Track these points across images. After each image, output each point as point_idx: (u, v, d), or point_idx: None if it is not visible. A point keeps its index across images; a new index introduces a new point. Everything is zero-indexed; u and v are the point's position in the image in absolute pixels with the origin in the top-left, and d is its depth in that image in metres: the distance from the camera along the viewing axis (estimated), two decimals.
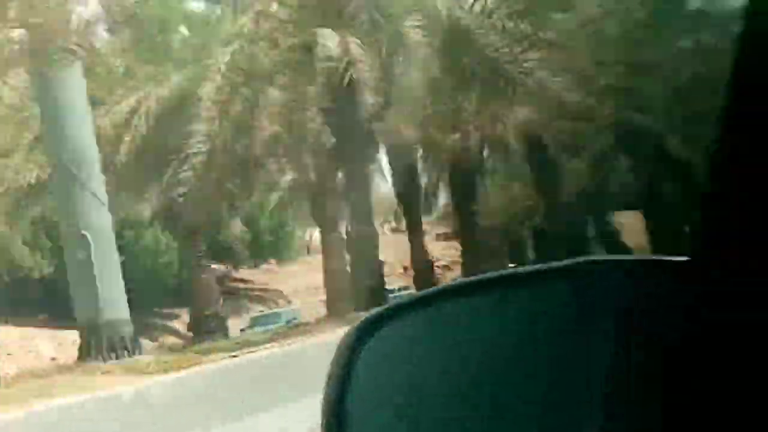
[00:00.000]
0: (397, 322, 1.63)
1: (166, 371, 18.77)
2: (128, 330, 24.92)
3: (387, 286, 32.93)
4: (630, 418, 1.49)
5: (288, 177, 34.90)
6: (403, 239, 36.23)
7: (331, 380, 1.59)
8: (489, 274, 1.65)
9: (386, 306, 1.67)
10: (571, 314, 1.58)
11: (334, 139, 30.03)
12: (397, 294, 31.85)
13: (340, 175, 31.90)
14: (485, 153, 34.33)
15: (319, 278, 34.43)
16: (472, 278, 1.67)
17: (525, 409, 1.54)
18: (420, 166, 35.33)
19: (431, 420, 1.57)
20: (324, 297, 33.70)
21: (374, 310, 1.66)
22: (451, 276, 39.19)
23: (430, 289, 1.67)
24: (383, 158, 34.12)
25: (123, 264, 26.15)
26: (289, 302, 48.29)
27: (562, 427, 1.51)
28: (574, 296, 1.59)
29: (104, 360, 23.39)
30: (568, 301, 1.59)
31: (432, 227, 42.86)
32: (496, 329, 1.60)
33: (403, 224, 37.50)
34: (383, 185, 35.58)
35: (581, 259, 1.61)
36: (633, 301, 1.54)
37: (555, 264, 1.62)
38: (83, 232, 24.29)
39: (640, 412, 1.48)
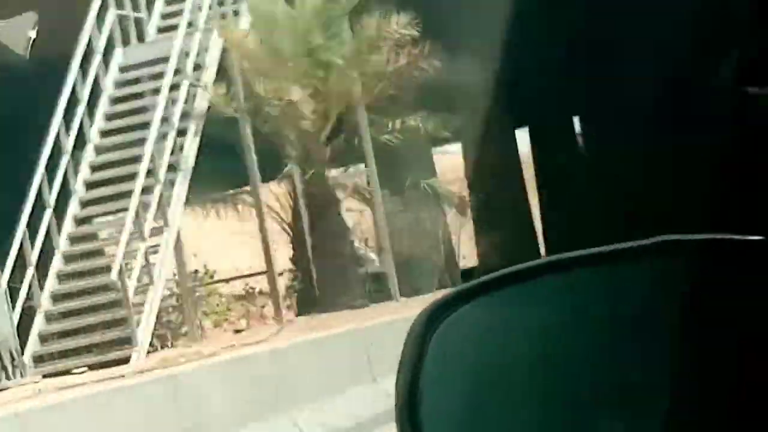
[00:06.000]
0: (470, 304, 1.62)
1: None
2: None
3: None
4: (702, 405, 1.47)
5: None
6: None
7: (404, 363, 1.59)
8: (561, 255, 1.63)
9: (459, 288, 1.66)
10: (644, 297, 1.56)
11: None
12: None
13: None
14: None
15: None
16: (544, 260, 1.65)
17: (598, 394, 1.53)
18: None
19: (503, 405, 1.56)
20: None
21: (446, 292, 1.66)
22: None
23: (503, 271, 1.66)
24: None
25: None
26: None
27: (636, 414, 1.49)
28: (647, 278, 1.57)
29: None
30: (641, 283, 1.57)
31: None
32: (568, 312, 1.59)
33: None
34: None
35: (656, 239, 1.59)
36: (709, 282, 1.52)
37: (628, 244, 1.60)
38: None
39: (713, 400, 1.46)
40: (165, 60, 19.40)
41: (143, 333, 17.55)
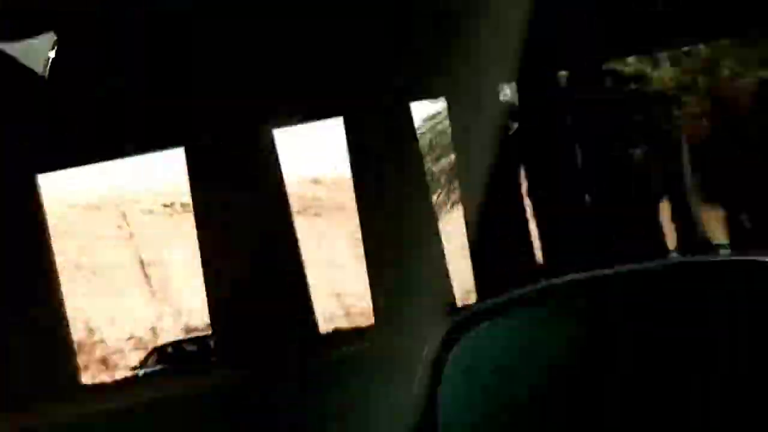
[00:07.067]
0: (487, 324, 1.63)
1: None
2: None
3: None
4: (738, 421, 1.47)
5: None
6: None
7: (421, 384, 1.59)
8: (578, 275, 1.63)
9: (476, 307, 1.66)
10: (664, 317, 1.56)
11: None
12: None
13: None
14: None
15: None
16: (564, 279, 1.65)
17: (623, 419, 1.52)
18: None
19: (518, 423, 1.57)
20: None
21: (464, 312, 1.66)
22: None
23: (519, 291, 1.66)
24: None
25: None
26: None
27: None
28: (668, 298, 1.56)
29: None
30: (658, 305, 1.57)
31: None
32: (583, 333, 1.58)
33: None
34: None
35: (668, 260, 1.59)
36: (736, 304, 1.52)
37: (649, 264, 1.60)
38: None
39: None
40: None
41: None
